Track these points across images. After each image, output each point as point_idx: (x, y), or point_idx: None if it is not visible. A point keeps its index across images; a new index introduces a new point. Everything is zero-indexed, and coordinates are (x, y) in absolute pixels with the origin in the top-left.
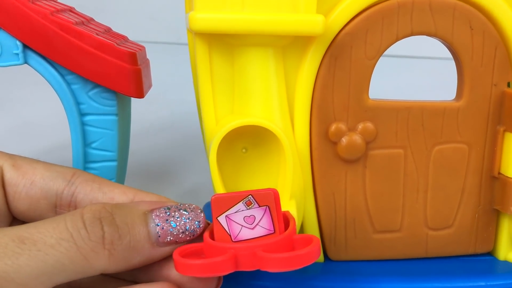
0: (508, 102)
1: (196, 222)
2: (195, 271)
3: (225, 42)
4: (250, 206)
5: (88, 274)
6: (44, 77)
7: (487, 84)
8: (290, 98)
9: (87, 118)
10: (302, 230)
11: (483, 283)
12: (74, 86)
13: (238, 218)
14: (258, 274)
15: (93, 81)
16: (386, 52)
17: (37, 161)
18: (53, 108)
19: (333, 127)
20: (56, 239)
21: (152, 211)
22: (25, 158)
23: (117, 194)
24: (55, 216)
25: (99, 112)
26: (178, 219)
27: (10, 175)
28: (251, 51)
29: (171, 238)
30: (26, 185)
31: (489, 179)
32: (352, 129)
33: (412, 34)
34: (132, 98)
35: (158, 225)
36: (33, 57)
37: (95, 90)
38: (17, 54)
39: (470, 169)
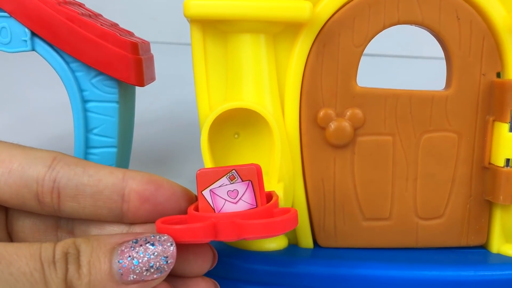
0: (497, 92)
1: (163, 258)
2: (175, 235)
3: (218, 29)
4: (234, 181)
5: None
6: (50, 64)
7: (476, 73)
8: (280, 84)
9: (90, 104)
10: None
11: (472, 273)
12: (78, 74)
13: (222, 192)
14: (249, 257)
15: (96, 69)
16: (385, 52)
17: (16, 147)
18: (57, 98)
19: (321, 113)
20: (29, 269)
21: (121, 244)
22: (3, 144)
23: (104, 175)
24: (38, 204)
25: (101, 99)
26: (142, 255)
27: None
28: (243, 37)
29: (135, 277)
30: (4, 174)
31: (480, 169)
32: (340, 115)
33: (399, 22)
34: (136, 94)
35: (120, 262)
36: (40, 45)
37: (98, 78)
38: (26, 41)
39: (460, 158)
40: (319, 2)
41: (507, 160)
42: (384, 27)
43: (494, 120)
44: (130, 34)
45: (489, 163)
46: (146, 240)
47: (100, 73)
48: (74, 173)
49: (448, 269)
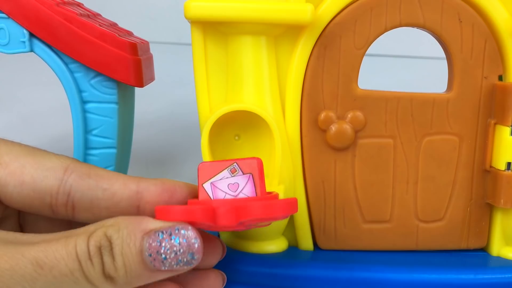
0: (499, 95)
1: (189, 255)
2: (173, 215)
3: (219, 31)
4: (235, 174)
5: None
6: (48, 65)
7: (477, 76)
8: (281, 87)
9: (89, 105)
10: (292, 217)
11: (472, 276)
12: (77, 74)
13: (223, 185)
14: (250, 260)
15: (95, 70)
16: (385, 52)
17: (24, 154)
18: (56, 99)
19: (322, 115)
20: (69, 269)
21: (148, 236)
22: (10, 150)
23: (118, 189)
24: (52, 213)
25: (100, 100)
26: (168, 251)
27: None
28: (244, 39)
29: (166, 268)
30: (16, 187)
31: (481, 172)
32: (341, 117)
33: (400, 25)
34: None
35: (150, 256)
36: (38, 46)
37: (97, 79)
38: (24, 42)
39: (461, 161)
40: (321, 4)
41: (508, 164)
42: (386, 30)
43: (495, 123)
44: (129, 34)
45: (490, 166)
46: (170, 234)
47: (99, 74)
48: (87, 188)
49: (448, 272)
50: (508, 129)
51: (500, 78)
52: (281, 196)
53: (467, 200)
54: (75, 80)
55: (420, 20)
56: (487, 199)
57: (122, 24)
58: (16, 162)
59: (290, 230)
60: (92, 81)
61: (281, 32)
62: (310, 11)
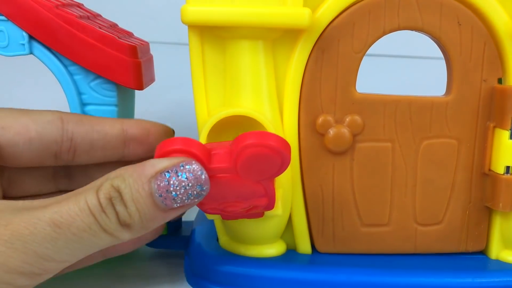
0: (498, 98)
1: (198, 186)
2: (173, 142)
3: (217, 35)
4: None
5: (117, 243)
6: (48, 67)
7: (477, 79)
8: (279, 91)
9: (88, 108)
10: (290, 221)
11: (470, 279)
12: (76, 77)
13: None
14: (247, 263)
15: (95, 72)
16: (386, 52)
17: (21, 115)
18: (55, 101)
19: (320, 119)
20: (86, 224)
21: (155, 177)
22: (7, 114)
23: (108, 129)
24: (54, 161)
25: (99, 103)
26: (178, 188)
27: (4, 138)
28: (241, 43)
29: (178, 205)
30: (25, 143)
31: (480, 175)
32: (339, 121)
33: (399, 28)
34: (135, 95)
35: (161, 196)
36: (38, 48)
37: (97, 81)
38: (23, 44)
39: (460, 165)
40: (319, 8)
41: (507, 168)
42: (384, 33)
43: (494, 127)
44: (129, 34)
45: (489, 170)
46: (176, 171)
47: (98, 76)
48: (85, 132)
49: (446, 276)
50: (507, 133)
51: (500, 81)
52: (279, 200)
53: (466, 203)
54: (74, 82)
55: (419, 24)
56: (486, 202)
57: (123, 24)
58: (18, 123)
59: (289, 233)
60: (92, 84)
61: (279, 36)
62: (307, 15)
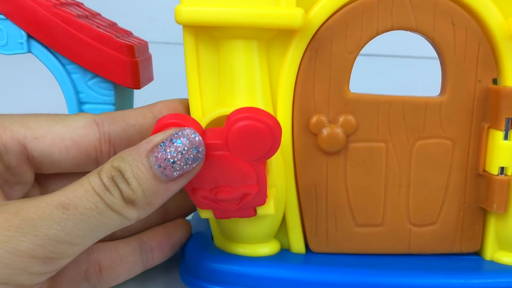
0: (493, 99)
1: (194, 149)
2: (166, 122)
3: (211, 35)
4: None
5: (127, 224)
6: (46, 66)
7: (471, 80)
8: (273, 90)
9: (86, 106)
10: (283, 221)
11: (463, 281)
12: (74, 76)
13: None
14: (241, 262)
15: (92, 71)
16: (381, 52)
17: (54, 123)
18: (53, 99)
19: (314, 119)
20: (92, 202)
21: (152, 151)
22: (40, 124)
23: (142, 121)
24: (96, 165)
25: (97, 101)
26: (175, 154)
27: (39, 148)
28: (235, 43)
29: (178, 173)
30: (62, 152)
31: (474, 176)
32: (332, 121)
33: (392, 29)
34: (135, 95)
35: (159, 167)
36: (36, 47)
37: (94, 80)
38: (22, 43)
39: (454, 165)
40: (312, 8)
41: (502, 169)
42: (378, 33)
43: (489, 127)
44: (128, 34)
45: (484, 171)
46: (171, 139)
47: (96, 75)
48: (122, 129)
49: (439, 276)
50: (501, 134)
51: (495, 81)
52: (273, 199)
53: (460, 204)
54: (72, 81)
55: (413, 24)
56: (480, 203)
57: (123, 24)
58: (51, 132)
59: (283, 233)
60: (89, 83)
61: (273, 36)
62: (300, 16)
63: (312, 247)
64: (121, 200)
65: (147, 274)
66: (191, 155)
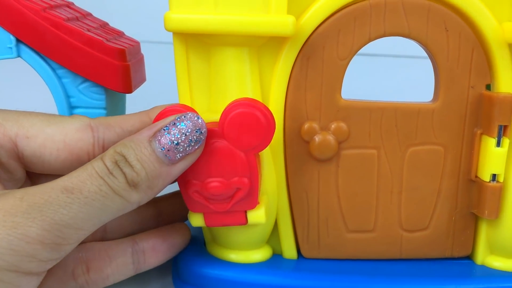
0: (486, 105)
1: (196, 131)
2: (168, 109)
3: (201, 42)
4: None
5: (128, 209)
6: (36, 71)
7: (464, 86)
8: (264, 97)
9: (77, 111)
10: (276, 227)
11: (453, 286)
12: (64, 80)
13: None
14: (233, 269)
15: (82, 76)
16: (382, 52)
17: (47, 123)
18: (43, 104)
19: (305, 126)
20: (96, 185)
21: (154, 136)
22: (33, 123)
23: (139, 126)
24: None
25: (88, 106)
26: (178, 136)
27: (29, 148)
28: (226, 50)
29: (181, 155)
30: (52, 154)
31: (466, 182)
32: (324, 128)
33: (385, 35)
34: (128, 97)
35: (163, 149)
36: (26, 51)
37: (85, 84)
38: (11, 48)
39: (446, 171)
40: (303, 14)
41: (493, 175)
42: (370, 40)
43: (481, 133)
44: (119, 34)
45: (476, 177)
46: (174, 123)
47: (86, 79)
48: (117, 135)
49: (430, 282)
50: (493, 140)
51: (488, 87)
52: (264, 207)
53: (452, 209)
54: (62, 85)
55: (405, 30)
56: (472, 209)
57: (121, 24)
58: (43, 133)
59: (275, 238)
60: (80, 87)
61: (264, 43)
62: (291, 23)
63: (304, 253)
64: (124, 183)
65: (141, 278)
66: (194, 137)
